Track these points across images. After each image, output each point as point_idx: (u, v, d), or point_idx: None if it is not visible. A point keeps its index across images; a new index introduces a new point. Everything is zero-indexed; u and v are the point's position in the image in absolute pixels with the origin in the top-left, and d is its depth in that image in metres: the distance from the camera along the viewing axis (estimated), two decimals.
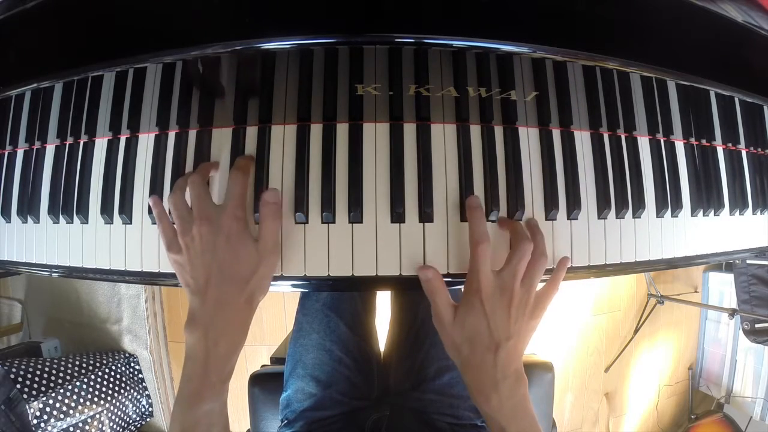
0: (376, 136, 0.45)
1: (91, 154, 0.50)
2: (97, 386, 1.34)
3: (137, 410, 1.48)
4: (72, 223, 0.50)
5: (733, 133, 0.58)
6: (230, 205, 0.41)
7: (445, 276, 0.44)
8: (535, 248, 0.42)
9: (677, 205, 0.52)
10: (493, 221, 0.45)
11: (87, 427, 1.27)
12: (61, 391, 1.23)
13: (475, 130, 0.46)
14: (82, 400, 1.27)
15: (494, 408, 0.41)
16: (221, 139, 0.46)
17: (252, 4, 0.42)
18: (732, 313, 1.51)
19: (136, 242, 0.47)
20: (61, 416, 1.20)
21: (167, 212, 0.44)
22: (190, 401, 0.39)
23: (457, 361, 0.43)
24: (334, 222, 0.44)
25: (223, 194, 0.45)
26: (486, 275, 0.41)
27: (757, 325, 1.59)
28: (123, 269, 0.47)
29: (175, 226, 0.42)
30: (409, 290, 0.71)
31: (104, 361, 1.41)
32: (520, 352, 0.42)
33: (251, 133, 0.45)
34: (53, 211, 0.50)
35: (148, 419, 1.53)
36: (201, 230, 0.40)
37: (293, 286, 0.46)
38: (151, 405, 1.53)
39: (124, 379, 1.44)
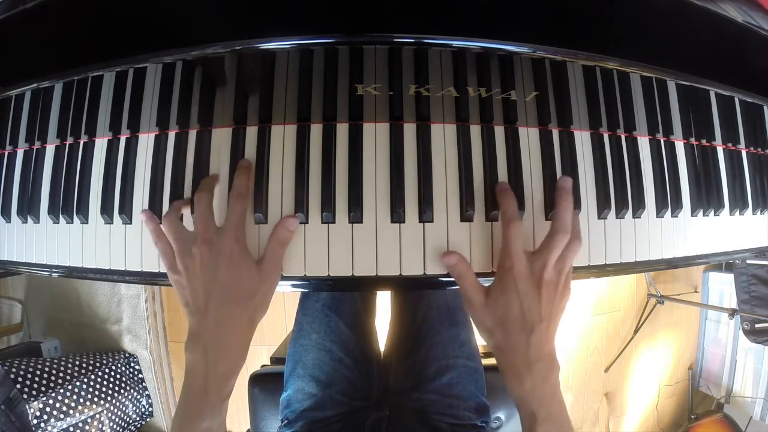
0: (376, 136, 0.45)
1: (91, 154, 0.50)
2: (97, 386, 1.34)
3: (137, 410, 1.48)
4: (72, 223, 0.50)
5: (733, 133, 0.58)
6: (231, 227, 0.41)
7: (444, 276, 0.44)
8: (572, 232, 0.42)
9: (677, 205, 0.52)
10: (493, 221, 0.45)
11: (87, 427, 1.27)
12: (61, 391, 1.23)
13: (475, 130, 0.46)
14: (82, 400, 1.27)
15: (527, 391, 0.41)
16: (221, 139, 0.46)
17: (252, 4, 0.42)
18: (732, 313, 1.51)
19: (136, 242, 0.47)
20: (61, 416, 1.20)
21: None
22: (189, 418, 0.39)
23: (491, 344, 0.43)
24: (334, 222, 0.44)
25: (222, 193, 0.45)
26: (518, 255, 0.40)
27: (757, 325, 1.59)
28: (123, 269, 0.48)
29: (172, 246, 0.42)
30: (409, 290, 0.71)
31: (104, 361, 1.41)
32: (552, 335, 0.42)
33: (251, 133, 0.45)
34: (53, 211, 0.50)
35: (148, 419, 1.53)
36: (201, 251, 0.40)
37: (293, 286, 0.46)
38: (151, 405, 1.53)
39: (124, 379, 1.44)
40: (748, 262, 1.55)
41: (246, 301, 0.41)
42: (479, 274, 0.45)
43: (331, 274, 0.44)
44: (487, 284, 0.43)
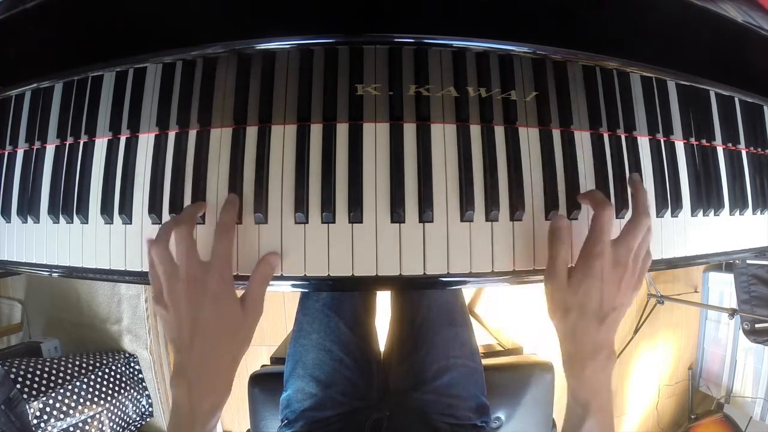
0: (376, 136, 0.45)
1: (91, 154, 0.50)
2: (97, 386, 1.34)
3: (137, 410, 1.48)
4: (72, 223, 0.50)
5: (733, 133, 0.58)
6: (217, 264, 0.41)
7: (444, 276, 0.44)
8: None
9: (677, 205, 0.52)
10: (493, 221, 0.45)
11: (87, 427, 1.27)
12: (61, 391, 1.23)
13: (475, 130, 0.46)
14: (82, 400, 1.27)
15: (586, 378, 0.41)
16: (221, 139, 0.46)
17: (252, 4, 0.42)
18: (732, 313, 1.50)
19: (136, 242, 0.47)
20: (61, 416, 1.20)
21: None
22: None
23: (561, 326, 0.43)
24: (334, 222, 0.44)
25: (222, 194, 0.45)
26: (608, 243, 0.41)
27: (757, 325, 1.59)
28: (123, 269, 0.47)
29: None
30: (409, 290, 0.71)
31: (104, 361, 1.41)
32: (617, 326, 0.42)
33: (251, 133, 0.45)
34: (53, 211, 0.50)
35: (148, 419, 1.53)
36: (187, 289, 0.40)
37: (293, 286, 0.46)
38: (151, 405, 1.53)
39: (124, 379, 1.44)
40: (748, 262, 1.55)
41: (230, 339, 0.41)
42: (479, 274, 0.45)
43: (331, 274, 0.44)
44: (489, 285, 0.43)
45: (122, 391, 1.41)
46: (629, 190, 0.47)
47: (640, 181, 0.46)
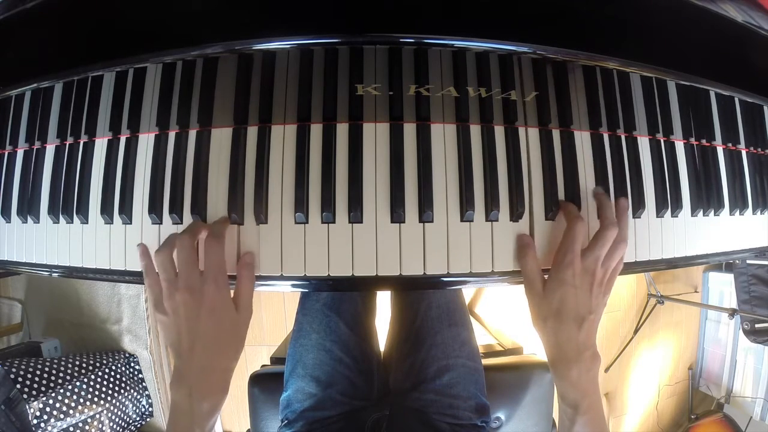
0: (376, 136, 0.45)
1: (91, 154, 0.50)
2: (97, 386, 1.34)
3: (137, 410, 1.48)
4: (72, 223, 0.50)
5: (733, 133, 0.58)
6: (212, 274, 0.41)
7: (444, 276, 0.44)
8: (619, 233, 0.45)
9: (677, 205, 0.52)
10: (493, 221, 0.45)
11: (87, 427, 1.27)
12: (61, 391, 1.23)
13: (475, 130, 0.46)
14: (82, 400, 1.27)
15: (573, 380, 0.43)
16: (221, 139, 0.46)
17: (252, 4, 0.42)
18: (732, 313, 1.50)
19: (136, 242, 0.47)
20: (61, 416, 1.20)
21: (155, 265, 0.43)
22: None
23: (542, 334, 0.45)
24: (334, 222, 0.44)
25: (222, 194, 0.45)
26: (578, 252, 0.44)
27: (757, 325, 1.59)
28: (123, 269, 0.48)
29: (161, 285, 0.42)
30: (409, 290, 0.71)
31: (104, 361, 1.41)
32: (596, 328, 0.45)
33: (251, 133, 0.45)
34: (53, 211, 0.50)
35: (148, 419, 1.53)
36: (184, 298, 0.41)
37: (293, 286, 0.46)
38: (151, 405, 1.53)
39: (124, 379, 1.44)
40: (748, 262, 1.55)
41: (227, 346, 0.43)
42: (479, 274, 0.45)
43: (331, 274, 0.44)
44: (489, 285, 0.44)
45: (122, 391, 1.41)
46: (596, 202, 0.48)
47: (604, 194, 0.47)
